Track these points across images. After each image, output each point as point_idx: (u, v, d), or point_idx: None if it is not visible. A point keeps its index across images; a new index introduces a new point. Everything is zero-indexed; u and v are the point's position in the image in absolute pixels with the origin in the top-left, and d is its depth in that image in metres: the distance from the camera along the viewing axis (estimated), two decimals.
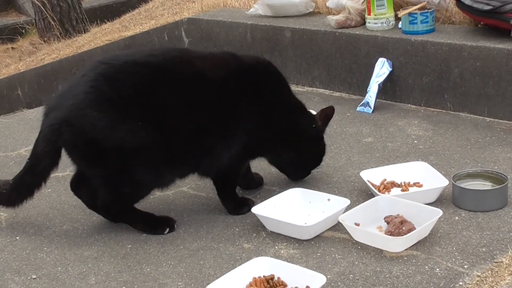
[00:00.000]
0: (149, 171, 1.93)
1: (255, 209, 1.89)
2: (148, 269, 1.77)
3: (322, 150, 2.15)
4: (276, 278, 1.61)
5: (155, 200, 2.14)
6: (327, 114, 2.13)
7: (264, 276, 1.61)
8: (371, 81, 2.74)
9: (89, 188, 2.02)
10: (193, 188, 2.20)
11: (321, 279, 1.54)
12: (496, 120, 2.49)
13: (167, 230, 1.96)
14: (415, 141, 2.39)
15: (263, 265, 1.64)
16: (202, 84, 1.97)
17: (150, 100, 1.91)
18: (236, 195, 2.08)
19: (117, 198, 1.98)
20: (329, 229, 1.85)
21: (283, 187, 2.07)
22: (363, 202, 1.91)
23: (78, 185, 2.06)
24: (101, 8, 7.00)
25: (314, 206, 1.92)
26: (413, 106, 2.71)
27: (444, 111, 2.62)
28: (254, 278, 1.61)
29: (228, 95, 1.99)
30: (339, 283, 1.61)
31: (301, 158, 2.12)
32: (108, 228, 2.00)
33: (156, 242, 1.89)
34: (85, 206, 2.07)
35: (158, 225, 1.99)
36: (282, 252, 1.77)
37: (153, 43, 3.87)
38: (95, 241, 1.94)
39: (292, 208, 1.93)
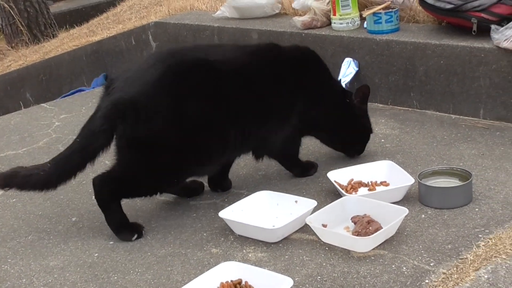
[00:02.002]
0: (194, 165, 2.01)
1: (222, 213, 1.88)
2: (115, 278, 1.75)
3: (366, 126, 2.27)
4: (243, 282, 1.60)
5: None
6: (364, 92, 2.24)
7: (231, 280, 1.60)
8: (339, 79, 2.73)
9: None
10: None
11: (289, 282, 1.53)
12: (461, 117, 2.51)
13: (136, 236, 1.94)
14: (382, 140, 2.40)
15: (230, 270, 1.63)
16: (257, 76, 2.08)
17: (213, 93, 1.98)
18: (300, 161, 2.25)
19: (125, 187, 1.98)
20: (297, 231, 1.84)
21: (251, 190, 2.06)
22: (330, 203, 1.89)
23: None
24: (70, 13, 6.96)
25: (282, 209, 1.92)
26: (380, 105, 2.72)
27: (410, 109, 2.64)
28: (222, 283, 1.60)
29: (279, 84, 2.12)
30: (307, 285, 1.61)
31: (348, 135, 2.26)
32: (75, 237, 1.99)
33: (124, 250, 1.88)
34: (51, 215, 2.06)
35: (131, 230, 1.97)
36: (250, 255, 1.77)
37: (120, 47, 3.85)
38: (61, 250, 1.92)
39: (259, 211, 1.93)
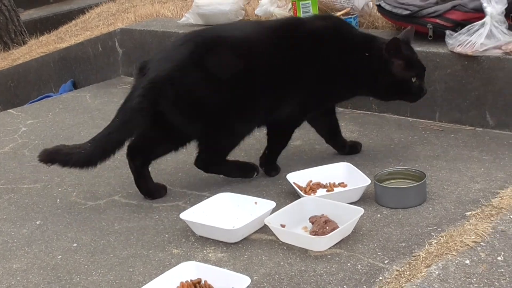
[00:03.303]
0: (242, 124, 2.15)
1: (183, 215, 1.89)
2: (78, 279, 1.75)
3: (403, 75, 2.14)
4: (203, 282, 1.61)
5: (86, 210, 2.12)
6: (395, 44, 2.11)
7: (191, 280, 1.61)
8: None
9: (145, 157, 2.17)
10: (125, 196, 2.19)
11: (246, 280, 1.55)
12: (417, 120, 2.56)
13: (256, 173, 2.20)
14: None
15: (190, 270, 1.64)
16: (278, 48, 2.13)
17: (239, 64, 2.07)
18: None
19: (215, 150, 2.19)
20: (256, 232, 1.86)
21: (213, 192, 2.07)
22: (289, 203, 1.91)
23: (135, 153, 2.16)
24: (41, 20, 6.91)
25: (242, 210, 1.93)
26: (341, 109, 2.74)
27: (369, 112, 2.68)
28: (182, 282, 1.61)
29: (303, 53, 2.14)
30: (264, 283, 1.62)
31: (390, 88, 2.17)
32: (39, 240, 1.98)
33: (86, 252, 1.88)
34: (15, 219, 2.06)
35: (248, 169, 2.22)
36: (210, 256, 1.78)
37: (87, 54, 3.84)
38: (25, 253, 1.91)
39: (220, 212, 1.94)
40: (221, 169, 2.22)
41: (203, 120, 2.10)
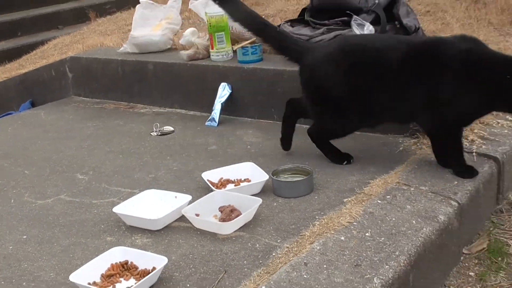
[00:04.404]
0: (351, 120, 2.09)
1: (116, 209, 1.86)
2: (26, 265, 1.70)
3: None
4: (129, 263, 1.60)
5: (36, 207, 2.06)
6: None
7: (119, 262, 1.60)
8: (216, 101, 2.76)
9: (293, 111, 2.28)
10: (69, 195, 2.14)
11: (164, 260, 1.54)
12: (307, 126, 2.57)
13: (345, 162, 2.15)
14: (249, 147, 2.44)
15: (118, 253, 1.62)
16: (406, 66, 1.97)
17: (368, 68, 2.00)
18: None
19: (322, 131, 2.18)
20: (175, 220, 1.85)
21: (142, 190, 2.04)
22: (203, 196, 1.91)
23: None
24: (9, 51, 6.69)
25: (165, 203, 1.91)
26: (249, 119, 2.76)
27: (272, 122, 2.68)
28: (112, 264, 1.59)
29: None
30: (180, 262, 1.62)
31: None
32: None
33: (35, 242, 1.82)
34: None
35: (341, 158, 2.16)
36: (137, 241, 1.76)
37: (43, 78, 3.74)
38: None
39: (146, 205, 1.92)
40: (322, 147, 2.21)
41: (322, 105, 2.11)
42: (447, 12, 3.89)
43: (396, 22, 2.51)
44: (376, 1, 2.50)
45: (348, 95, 2.03)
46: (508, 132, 2.27)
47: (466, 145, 2.15)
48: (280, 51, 2.22)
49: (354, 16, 2.41)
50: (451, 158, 2.03)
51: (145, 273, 1.54)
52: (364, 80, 2.01)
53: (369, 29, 2.36)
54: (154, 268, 1.53)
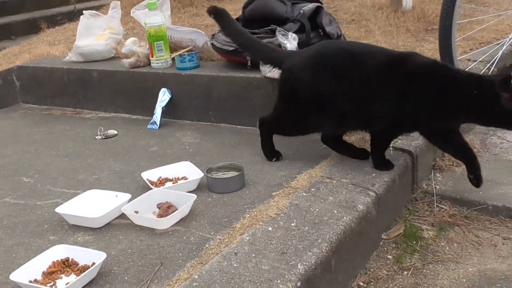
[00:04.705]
0: (310, 123, 2.03)
1: (58, 209, 1.82)
2: None
3: None
4: (70, 260, 1.56)
5: None
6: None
7: (61, 259, 1.56)
8: (157, 105, 2.75)
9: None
10: (14, 198, 2.08)
11: (103, 255, 1.51)
12: (244, 127, 2.59)
13: (275, 159, 2.16)
14: (187, 147, 2.43)
15: (60, 251, 1.58)
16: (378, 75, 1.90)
17: (343, 74, 1.92)
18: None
19: (276, 123, 2.12)
20: (116, 218, 1.82)
21: (85, 190, 2.00)
22: (142, 194, 1.89)
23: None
24: None
25: (105, 202, 1.88)
26: (188, 122, 2.75)
27: (209, 123, 2.69)
28: (53, 261, 1.55)
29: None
30: (120, 257, 1.60)
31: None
32: None
33: None
34: None
35: (273, 155, 2.17)
36: (79, 239, 1.72)
37: None
38: None
39: (89, 205, 1.88)
40: (264, 138, 2.19)
41: (286, 103, 2.06)
42: (370, 21, 3.98)
43: (320, 30, 2.55)
44: (301, 11, 2.53)
45: (316, 99, 1.95)
46: None
47: None
48: (264, 61, 2.23)
49: (278, 28, 2.44)
50: (374, 153, 2.06)
51: (85, 268, 1.51)
52: (333, 86, 1.92)
53: (292, 37, 2.39)
54: (93, 264, 1.51)
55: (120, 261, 1.58)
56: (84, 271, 1.48)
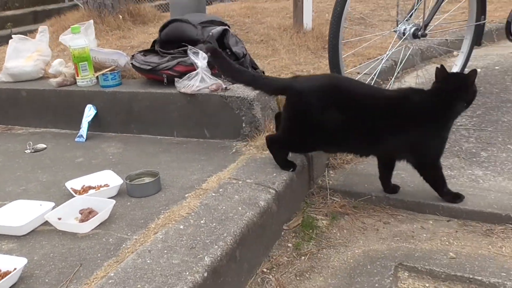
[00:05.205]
0: (314, 143, 1.98)
1: None
2: None
3: None
4: None
5: None
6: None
7: None
8: (83, 120, 2.66)
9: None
10: None
11: (23, 260, 1.45)
12: (163, 137, 2.55)
13: (291, 169, 2.05)
14: (111, 157, 2.36)
15: None
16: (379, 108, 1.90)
17: (345, 105, 1.89)
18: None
19: (285, 142, 2.03)
20: (41, 225, 1.74)
21: (12, 201, 1.90)
22: (65, 202, 1.82)
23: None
24: None
25: (30, 211, 1.79)
26: (112, 134, 2.68)
27: (131, 135, 2.63)
28: None
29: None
30: (42, 261, 1.53)
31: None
32: None
33: None
34: None
35: (288, 165, 2.05)
36: (3, 247, 1.63)
37: None
38: None
39: (14, 214, 1.79)
40: (275, 154, 2.08)
41: (287, 124, 1.99)
42: (276, 41, 4.05)
43: (228, 50, 2.56)
44: (210, 34, 2.54)
45: (322, 124, 1.90)
46: None
47: None
48: (269, 92, 2.10)
49: (189, 46, 2.43)
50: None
51: (6, 274, 1.43)
52: (338, 115, 1.88)
53: (202, 56, 2.39)
54: (15, 269, 1.44)
55: (42, 265, 1.51)
56: (5, 277, 1.41)
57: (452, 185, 2.05)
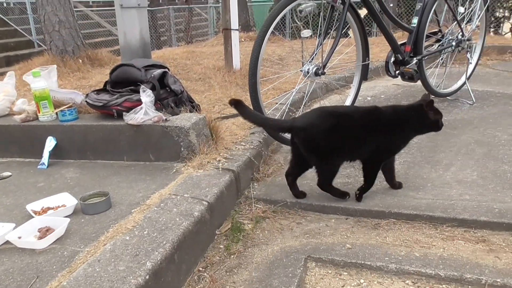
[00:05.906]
0: (338, 161, 2.00)
1: None
2: None
3: None
4: None
5: None
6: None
7: None
8: (45, 150, 2.52)
9: (294, 176, 2.14)
10: None
11: None
12: (115, 161, 2.46)
13: (348, 197, 2.07)
14: (69, 181, 2.25)
15: None
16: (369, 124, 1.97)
17: (342, 129, 1.94)
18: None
19: (325, 179, 2.04)
20: (2, 244, 1.63)
21: None
22: (25, 223, 1.73)
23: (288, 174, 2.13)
24: None
25: None
26: (71, 160, 2.56)
27: (88, 161, 2.52)
28: None
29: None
30: (2, 276, 1.43)
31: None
32: None
33: None
34: None
35: (344, 194, 2.07)
36: None
37: None
38: None
39: None
40: (329, 190, 2.09)
41: (316, 155, 1.98)
42: (211, 78, 4.07)
43: (167, 88, 2.55)
44: (152, 75, 2.52)
45: (330, 146, 1.95)
46: (241, 153, 2.42)
47: (214, 163, 2.24)
48: (276, 131, 2.17)
49: (142, 85, 2.40)
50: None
51: None
52: (339, 135, 1.94)
53: (147, 94, 2.36)
54: None
55: (1, 279, 1.42)
56: None
57: (350, 189, 2.13)
